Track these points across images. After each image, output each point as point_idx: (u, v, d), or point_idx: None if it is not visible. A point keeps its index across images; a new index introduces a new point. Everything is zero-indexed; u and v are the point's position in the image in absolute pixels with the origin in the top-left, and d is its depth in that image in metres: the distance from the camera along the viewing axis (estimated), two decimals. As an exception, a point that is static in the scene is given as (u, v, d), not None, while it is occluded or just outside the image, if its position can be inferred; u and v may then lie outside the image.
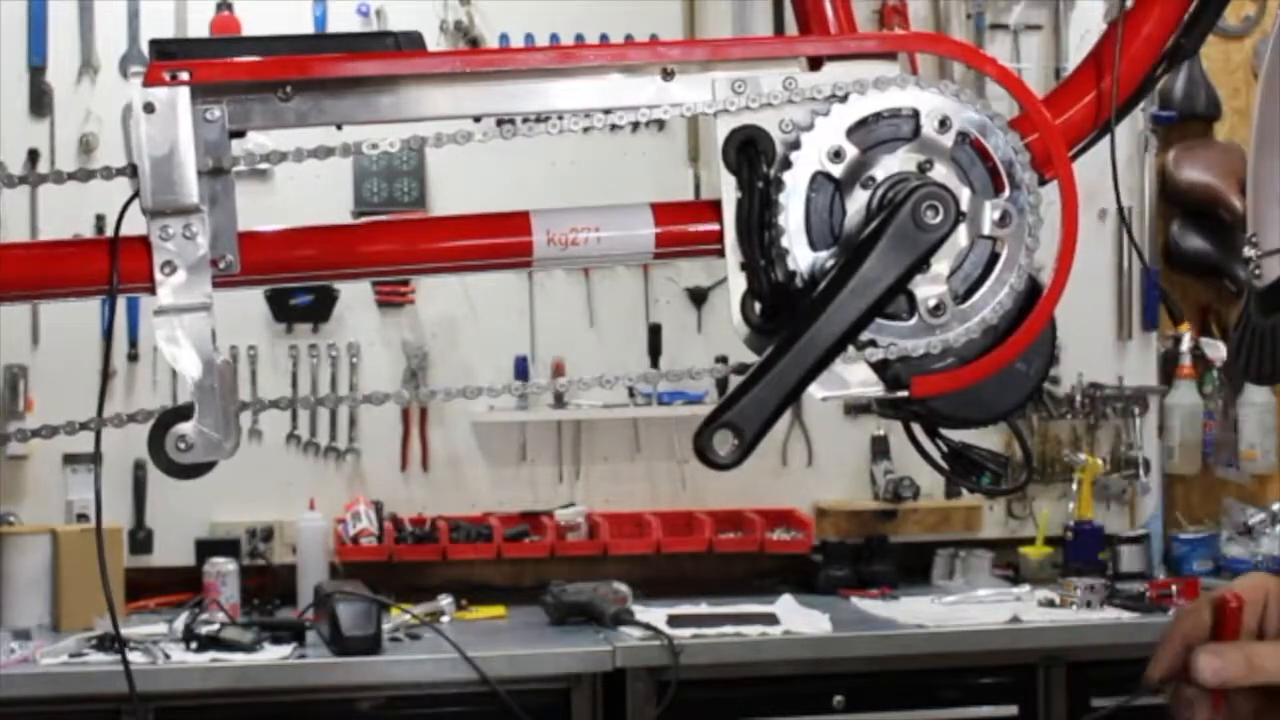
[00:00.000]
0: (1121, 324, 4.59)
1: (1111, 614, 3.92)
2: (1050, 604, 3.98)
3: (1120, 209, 1.59)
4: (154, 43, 1.35)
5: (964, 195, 1.34)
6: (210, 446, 1.32)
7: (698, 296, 4.41)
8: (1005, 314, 1.35)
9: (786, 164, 1.34)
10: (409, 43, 1.38)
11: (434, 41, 4.22)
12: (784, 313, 1.34)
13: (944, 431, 1.43)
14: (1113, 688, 3.67)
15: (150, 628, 3.75)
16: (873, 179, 1.34)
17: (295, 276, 1.42)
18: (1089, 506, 4.48)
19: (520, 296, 4.37)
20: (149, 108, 1.30)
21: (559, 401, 4.34)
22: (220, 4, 4.24)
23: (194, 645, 3.59)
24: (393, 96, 1.35)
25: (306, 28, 4.25)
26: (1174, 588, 4.06)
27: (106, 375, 3.47)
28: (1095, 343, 4.55)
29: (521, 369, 4.34)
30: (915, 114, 1.34)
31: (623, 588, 3.88)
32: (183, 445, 1.31)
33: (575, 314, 4.41)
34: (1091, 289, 4.48)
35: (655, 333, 4.39)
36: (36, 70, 4.20)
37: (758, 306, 1.36)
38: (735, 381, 1.33)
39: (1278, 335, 1.41)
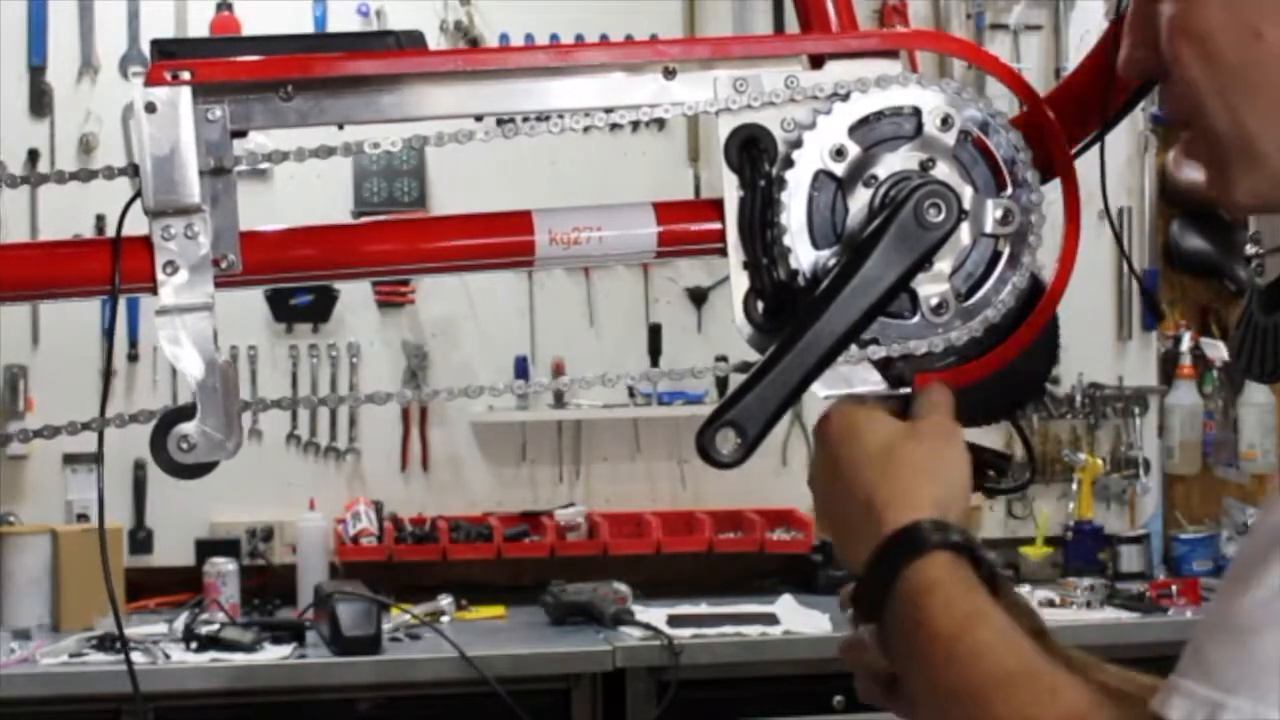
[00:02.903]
0: (1121, 324, 4.60)
1: (1111, 614, 3.93)
2: (1050, 604, 3.98)
3: (1109, 213, 1.58)
4: (155, 43, 1.35)
5: (966, 193, 1.34)
6: (212, 446, 1.31)
7: (698, 296, 4.41)
8: (1008, 312, 1.35)
9: (789, 162, 1.34)
10: (410, 42, 1.38)
11: (434, 41, 4.22)
12: (786, 311, 1.34)
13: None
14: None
15: (150, 628, 3.75)
16: (875, 177, 1.34)
17: (296, 276, 1.42)
18: (1089, 506, 4.48)
19: (520, 296, 4.37)
20: (150, 107, 1.30)
21: (559, 401, 4.34)
22: (220, 4, 4.24)
23: (194, 645, 3.59)
24: (393, 96, 1.35)
25: (306, 28, 4.25)
26: (1174, 588, 4.07)
27: (108, 375, 3.47)
28: (1095, 343, 4.55)
29: (521, 369, 4.34)
30: (917, 112, 1.34)
31: (623, 588, 3.88)
32: (185, 445, 1.31)
33: (575, 314, 4.41)
34: (1091, 289, 4.48)
35: (655, 333, 4.39)
36: (36, 70, 4.20)
37: (760, 305, 1.36)
38: (736, 380, 1.33)
39: (1279, 333, 1.41)
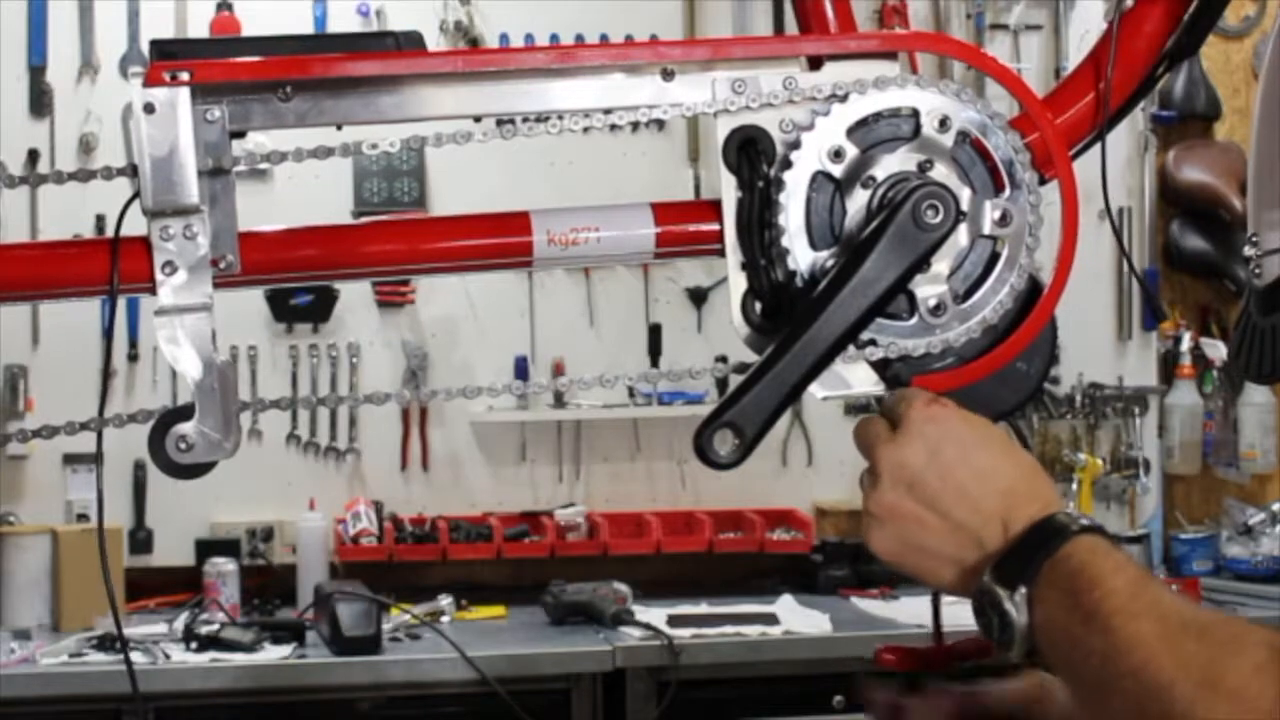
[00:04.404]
0: (1121, 324, 4.60)
1: (1111, 614, 3.92)
2: (1050, 604, 3.98)
3: (1110, 213, 1.59)
4: (154, 43, 1.35)
5: (964, 195, 1.33)
6: (211, 446, 1.31)
7: (698, 296, 4.41)
8: (1005, 313, 1.35)
9: (787, 164, 1.34)
10: (409, 43, 1.38)
11: (434, 41, 4.22)
12: (784, 312, 1.34)
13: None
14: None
15: (150, 628, 3.75)
16: (873, 179, 1.34)
17: (295, 276, 1.42)
18: (1089, 506, 4.47)
19: (520, 296, 4.37)
20: (149, 108, 1.30)
21: (559, 401, 4.34)
22: (220, 4, 4.24)
23: (194, 645, 3.59)
24: (393, 96, 1.35)
25: (306, 28, 4.25)
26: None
27: (107, 375, 3.47)
28: (1095, 343, 4.55)
29: (521, 369, 4.34)
30: (915, 113, 1.34)
31: (623, 588, 3.88)
32: (183, 445, 1.31)
33: (575, 314, 4.41)
34: (1091, 289, 4.48)
35: (655, 333, 4.39)
36: (36, 70, 4.20)
37: (758, 306, 1.36)
38: (735, 381, 1.33)
39: (1277, 334, 1.41)
